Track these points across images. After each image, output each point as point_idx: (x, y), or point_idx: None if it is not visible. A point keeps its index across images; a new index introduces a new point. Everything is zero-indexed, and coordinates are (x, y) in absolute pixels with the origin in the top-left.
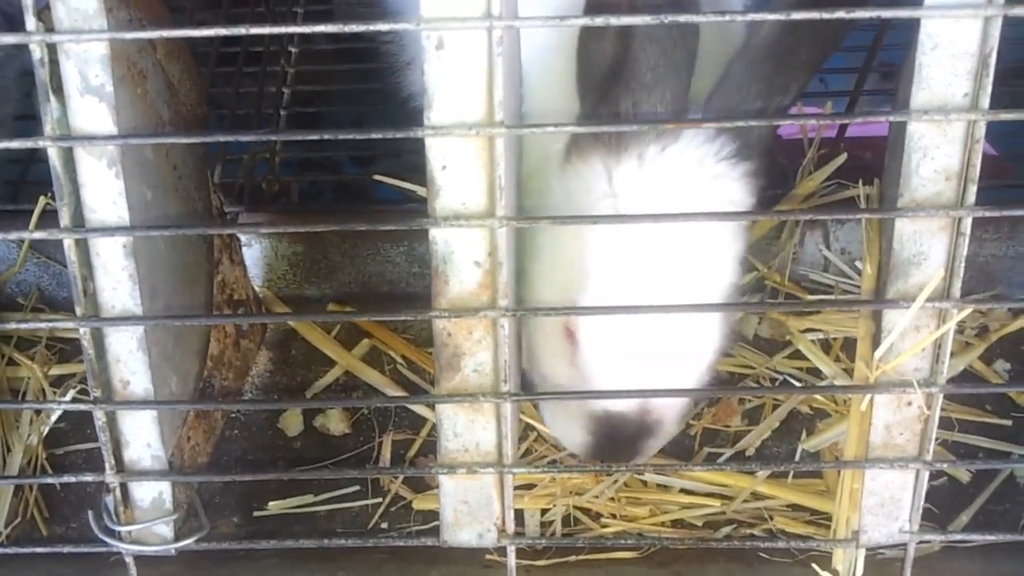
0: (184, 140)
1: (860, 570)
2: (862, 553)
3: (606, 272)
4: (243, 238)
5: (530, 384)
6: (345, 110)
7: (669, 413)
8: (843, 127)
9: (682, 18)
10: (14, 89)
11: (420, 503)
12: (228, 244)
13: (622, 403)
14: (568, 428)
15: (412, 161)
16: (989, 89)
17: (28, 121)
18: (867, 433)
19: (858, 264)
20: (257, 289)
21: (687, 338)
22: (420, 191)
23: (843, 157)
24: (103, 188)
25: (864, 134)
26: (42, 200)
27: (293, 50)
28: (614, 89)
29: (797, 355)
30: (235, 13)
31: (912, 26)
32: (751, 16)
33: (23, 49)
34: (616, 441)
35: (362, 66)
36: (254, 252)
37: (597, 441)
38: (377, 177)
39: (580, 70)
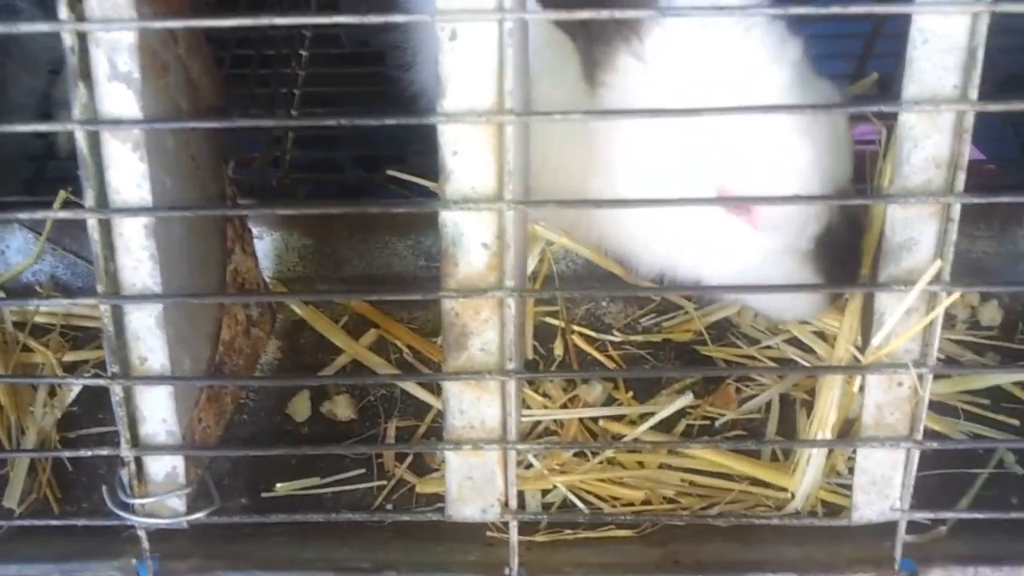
0: (205, 125)
1: None
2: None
3: None
4: (255, 231)
5: None
6: (352, 111)
7: None
8: None
9: None
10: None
11: (423, 487)
12: (240, 235)
13: None
14: None
15: (417, 164)
16: (977, 81)
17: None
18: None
19: None
20: (268, 280)
21: None
22: (434, 187)
23: None
24: (128, 171)
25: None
26: (62, 193)
27: (304, 54)
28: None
29: (794, 342)
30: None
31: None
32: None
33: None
34: None
35: (368, 69)
36: (265, 244)
37: None
38: (391, 173)
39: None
